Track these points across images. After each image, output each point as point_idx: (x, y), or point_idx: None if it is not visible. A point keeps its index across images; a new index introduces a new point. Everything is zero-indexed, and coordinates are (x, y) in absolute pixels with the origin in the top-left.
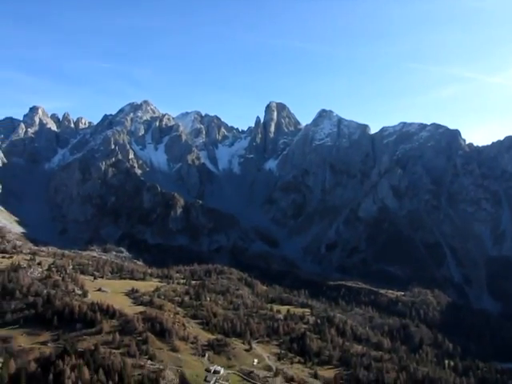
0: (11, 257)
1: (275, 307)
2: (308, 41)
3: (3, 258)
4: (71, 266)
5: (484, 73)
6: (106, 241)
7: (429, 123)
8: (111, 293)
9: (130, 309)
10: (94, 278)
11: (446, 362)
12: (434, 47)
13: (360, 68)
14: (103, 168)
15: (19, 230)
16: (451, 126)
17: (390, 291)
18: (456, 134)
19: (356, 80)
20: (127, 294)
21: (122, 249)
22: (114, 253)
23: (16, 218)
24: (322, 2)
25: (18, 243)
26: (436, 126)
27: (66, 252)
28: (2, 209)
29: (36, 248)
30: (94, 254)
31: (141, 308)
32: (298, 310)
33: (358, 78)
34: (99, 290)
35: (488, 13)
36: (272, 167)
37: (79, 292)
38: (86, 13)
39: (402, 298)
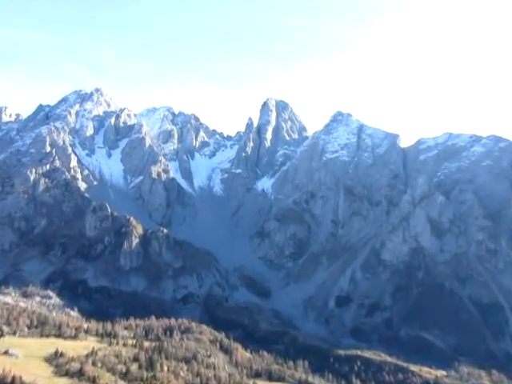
0: None
1: None
2: (316, 15)
3: None
4: None
5: None
6: (28, 281)
7: (485, 135)
8: (24, 357)
9: (48, 382)
10: (1, 336)
11: None
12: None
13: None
14: (32, 178)
15: None
16: None
17: (427, 369)
18: None
19: (383, 73)
20: (48, 360)
21: (51, 293)
22: (39, 298)
23: None
24: None
25: None
26: (495, 140)
27: None
28: None
29: None
30: (9, 299)
31: (65, 381)
32: None
33: (385, 70)
34: (5, 353)
35: None
36: (266, 187)
37: None
38: None
39: (443, 379)
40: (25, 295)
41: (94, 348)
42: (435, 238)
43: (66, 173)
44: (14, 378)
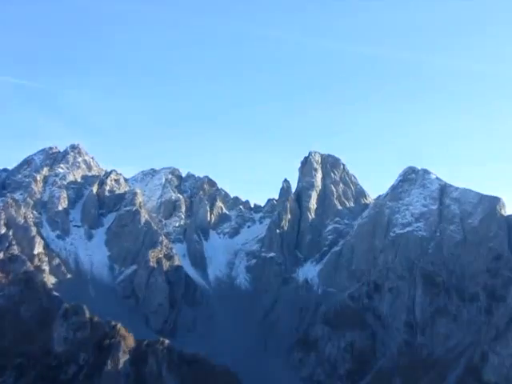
0: None
1: None
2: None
3: None
4: None
5: None
6: None
7: None
8: None
9: None
10: None
11: None
12: None
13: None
14: None
15: None
16: None
17: None
18: None
19: (475, 114)
20: None
21: None
22: None
23: None
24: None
25: None
26: None
27: None
28: None
29: None
30: None
31: None
32: None
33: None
34: None
35: None
36: (311, 277)
37: None
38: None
39: None
40: None
41: None
42: None
43: (28, 262)
44: None
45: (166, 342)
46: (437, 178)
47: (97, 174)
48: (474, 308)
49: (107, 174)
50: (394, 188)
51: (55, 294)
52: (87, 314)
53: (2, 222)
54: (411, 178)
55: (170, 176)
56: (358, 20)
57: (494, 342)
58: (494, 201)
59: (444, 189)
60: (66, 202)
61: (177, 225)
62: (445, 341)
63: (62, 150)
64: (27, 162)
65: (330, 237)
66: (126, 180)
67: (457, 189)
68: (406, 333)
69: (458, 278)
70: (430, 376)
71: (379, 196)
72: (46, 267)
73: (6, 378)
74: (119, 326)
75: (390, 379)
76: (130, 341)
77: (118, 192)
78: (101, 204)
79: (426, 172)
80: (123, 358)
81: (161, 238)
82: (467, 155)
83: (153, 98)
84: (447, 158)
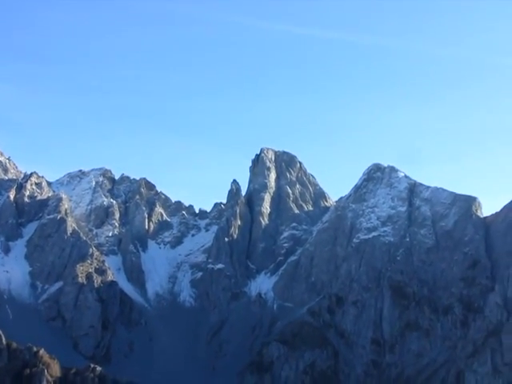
0: None
1: None
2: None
3: None
4: None
5: None
6: None
7: None
8: None
9: None
10: None
11: None
12: None
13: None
14: None
15: None
16: None
17: None
18: None
19: (447, 106)
20: None
21: None
22: None
23: None
24: None
25: None
26: None
27: None
28: None
29: None
30: None
31: None
32: None
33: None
34: None
35: None
36: (265, 291)
37: None
38: None
39: None
40: None
41: None
42: None
43: None
44: None
45: (98, 368)
46: (405, 177)
47: (14, 177)
48: (448, 321)
49: (27, 177)
50: (357, 188)
51: None
52: (4, 340)
53: None
54: (376, 176)
55: (101, 178)
56: (311, 5)
57: (471, 358)
58: (469, 200)
59: (413, 188)
60: None
61: (110, 234)
62: (416, 359)
63: None
64: None
65: (285, 245)
66: (49, 184)
67: (428, 188)
68: (373, 351)
69: (430, 289)
70: None
71: (341, 198)
72: None
73: None
74: (42, 351)
75: None
76: (55, 369)
77: (39, 198)
78: (20, 212)
79: (392, 170)
80: None
81: (91, 250)
82: (439, 151)
83: (81, 92)
84: (416, 154)
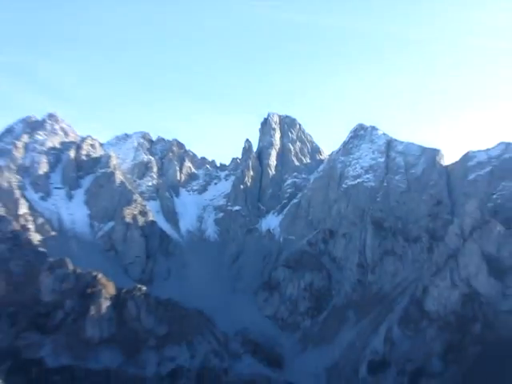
0: None
1: None
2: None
3: None
4: None
5: None
6: None
7: None
8: None
9: None
10: None
11: None
12: None
13: (419, 50)
14: None
15: None
16: None
17: None
18: None
19: (413, 76)
20: None
21: None
22: None
23: None
24: None
25: None
26: None
27: None
28: None
29: None
30: None
31: None
32: None
33: (415, 72)
34: None
35: None
36: (273, 227)
37: None
38: None
39: None
40: None
41: None
42: (494, 279)
43: (14, 222)
44: None
45: (144, 288)
46: (383, 134)
47: (73, 140)
48: (417, 248)
49: (83, 140)
50: (345, 144)
51: (41, 249)
52: (71, 267)
53: None
54: (360, 134)
55: (141, 140)
56: None
57: (435, 277)
58: (434, 152)
59: (390, 143)
60: (47, 167)
61: (150, 184)
62: (392, 278)
63: (40, 119)
64: (8, 130)
65: (289, 190)
66: (101, 144)
67: (401, 143)
68: (358, 273)
69: (403, 223)
70: (379, 309)
71: (332, 152)
72: (30, 226)
73: (1, 324)
74: (100, 276)
75: (344, 313)
76: (110, 289)
77: (94, 156)
78: (79, 167)
79: (373, 128)
80: (105, 304)
81: (135, 197)
82: (411, 111)
83: (127, 72)
84: (393, 114)
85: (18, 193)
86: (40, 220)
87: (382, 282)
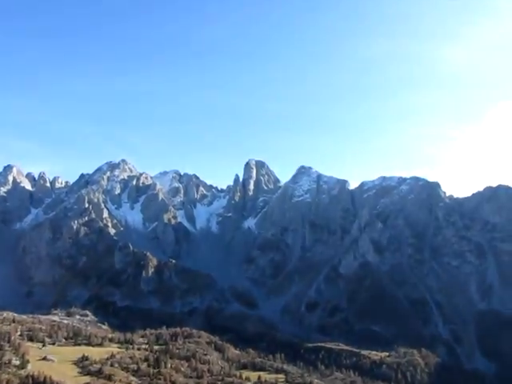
0: None
1: (245, 374)
2: (284, 101)
3: None
4: (19, 333)
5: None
6: (72, 304)
7: (409, 176)
8: (58, 362)
9: (73, 380)
10: (43, 345)
11: None
12: (414, 108)
13: (338, 126)
14: (75, 227)
15: None
16: (431, 179)
17: (374, 352)
18: (436, 186)
19: (335, 137)
20: (76, 363)
21: (88, 312)
22: (78, 317)
23: None
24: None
25: None
26: (416, 179)
27: (18, 317)
28: None
29: None
30: (56, 318)
31: (87, 379)
32: (271, 377)
33: (336, 135)
34: (44, 358)
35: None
36: (251, 225)
37: (17, 363)
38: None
39: (386, 359)
40: (68, 315)
41: (113, 352)
42: (377, 254)
43: (100, 222)
44: (45, 378)
45: (173, 261)
46: (316, 171)
47: (135, 174)
48: (336, 236)
49: (141, 174)
50: (293, 176)
51: (114, 238)
52: (131, 248)
53: (86, 201)
54: (303, 171)
55: (174, 174)
56: None
57: (344, 253)
58: (344, 182)
59: (319, 176)
60: (119, 190)
61: (179, 200)
62: (320, 255)
63: (116, 162)
64: (99, 169)
65: (261, 204)
66: (150, 177)
67: (326, 176)
68: (301, 252)
69: (327, 222)
70: (312, 273)
71: (286, 181)
72: (109, 224)
73: (92, 280)
74: (148, 253)
75: (293, 276)
76: (154, 261)
77: (146, 183)
78: (138, 190)
79: (310, 168)
80: (151, 270)
81: (170, 208)
82: (333, 156)
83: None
84: (322, 158)
85: (102, 205)
86: (114, 221)
87: (314, 258)
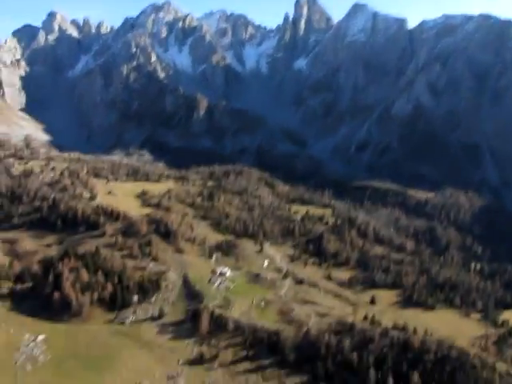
0: (27, 163)
1: (294, 208)
2: None
3: (19, 164)
4: (85, 171)
5: None
6: (129, 145)
7: (476, 14)
8: (121, 196)
9: (136, 211)
10: (107, 182)
11: (473, 265)
12: None
13: None
14: (125, 72)
15: (45, 137)
16: (503, 16)
17: (420, 192)
18: (508, 25)
19: None
20: (137, 197)
21: (145, 152)
22: (136, 156)
23: (42, 126)
24: None
25: (40, 150)
26: (484, 17)
27: (83, 157)
28: (28, 117)
29: (52, 154)
30: (116, 157)
31: (148, 210)
32: (318, 211)
33: None
34: (109, 193)
35: None
36: (302, 66)
37: (87, 196)
38: None
39: (431, 199)
40: (127, 154)
41: (170, 188)
42: (433, 97)
43: (149, 66)
44: (112, 209)
45: (223, 102)
46: (371, 8)
47: (180, 16)
48: (391, 78)
49: (186, 16)
50: (347, 15)
51: (165, 81)
52: (181, 91)
53: (133, 45)
54: (357, 8)
55: (221, 15)
56: None
57: (398, 95)
58: (402, 20)
59: (375, 15)
60: (166, 33)
61: (227, 41)
62: (373, 95)
63: (160, 4)
64: (143, 12)
65: (312, 44)
66: (196, 18)
67: (382, 14)
68: (353, 93)
69: (382, 63)
70: (364, 114)
71: (339, 20)
72: (158, 68)
73: (146, 123)
74: (198, 95)
75: (344, 116)
76: (204, 103)
77: (193, 25)
78: (184, 33)
79: (365, 5)
80: (202, 112)
81: (218, 49)
82: None
83: None
84: None
85: (150, 49)
86: (163, 64)
87: (367, 99)
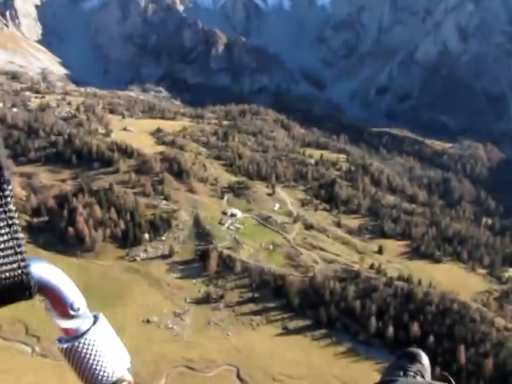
0: (43, 97)
1: (309, 151)
2: None
3: (36, 98)
4: (101, 106)
5: None
6: (146, 80)
7: None
8: (136, 132)
9: (150, 149)
10: (123, 118)
11: (484, 220)
12: None
13: None
14: (143, 5)
15: (62, 71)
16: None
17: (437, 142)
18: None
19: None
20: (152, 134)
21: (161, 88)
22: (153, 93)
23: (58, 60)
24: None
25: (57, 83)
26: None
27: (99, 92)
28: (45, 49)
29: (69, 88)
30: (133, 93)
31: (162, 148)
32: (333, 156)
33: None
34: (124, 129)
35: None
36: (325, 3)
37: (102, 131)
38: None
39: (449, 150)
40: (143, 90)
41: (184, 126)
42: (461, 42)
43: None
44: (127, 146)
45: (243, 39)
46: None
47: None
48: (418, 18)
49: None
50: None
51: (183, 15)
52: (200, 26)
53: None
54: None
55: None
56: None
57: (425, 38)
58: None
59: None
60: None
61: None
62: (398, 37)
63: None
64: None
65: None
66: None
67: None
68: (377, 33)
69: (410, 1)
70: (386, 57)
71: None
72: (177, 1)
73: (164, 58)
74: (218, 31)
75: (365, 58)
76: (224, 39)
77: None
78: None
79: None
80: (221, 48)
81: None
82: None
83: None
84: None
85: None
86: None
87: (391, 41)
